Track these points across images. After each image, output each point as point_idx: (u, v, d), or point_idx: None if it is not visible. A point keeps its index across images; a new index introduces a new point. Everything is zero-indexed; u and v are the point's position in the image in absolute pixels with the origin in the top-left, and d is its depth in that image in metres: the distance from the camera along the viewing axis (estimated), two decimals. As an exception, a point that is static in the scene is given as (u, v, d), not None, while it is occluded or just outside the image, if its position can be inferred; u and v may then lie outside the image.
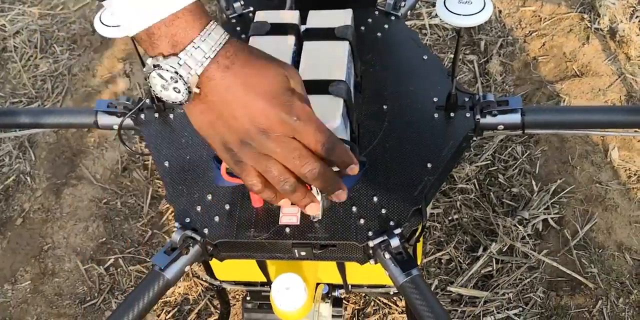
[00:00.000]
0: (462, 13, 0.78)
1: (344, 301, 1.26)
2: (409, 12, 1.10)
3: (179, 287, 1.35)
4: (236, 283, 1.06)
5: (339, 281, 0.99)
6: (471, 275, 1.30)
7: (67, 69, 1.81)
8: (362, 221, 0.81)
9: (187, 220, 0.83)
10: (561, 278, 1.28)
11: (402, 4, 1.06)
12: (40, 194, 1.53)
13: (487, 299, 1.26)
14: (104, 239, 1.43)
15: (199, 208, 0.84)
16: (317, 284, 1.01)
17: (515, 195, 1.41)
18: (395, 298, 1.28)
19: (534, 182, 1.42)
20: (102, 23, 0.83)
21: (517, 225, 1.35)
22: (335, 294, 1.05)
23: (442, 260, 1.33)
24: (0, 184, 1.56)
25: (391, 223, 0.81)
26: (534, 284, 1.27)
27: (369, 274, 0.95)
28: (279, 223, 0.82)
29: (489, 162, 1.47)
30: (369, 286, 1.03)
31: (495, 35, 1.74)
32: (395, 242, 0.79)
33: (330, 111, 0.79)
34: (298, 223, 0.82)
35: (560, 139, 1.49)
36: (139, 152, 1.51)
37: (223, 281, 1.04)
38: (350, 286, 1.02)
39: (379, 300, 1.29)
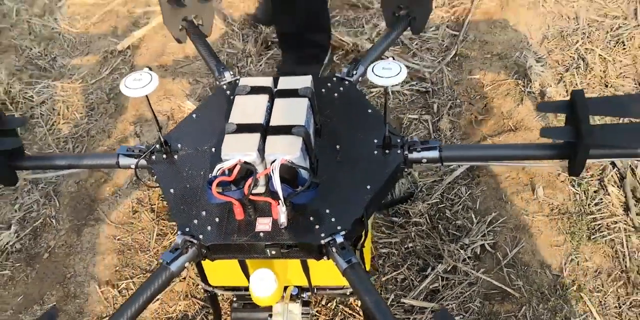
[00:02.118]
0: (385, 76, 1.08)
1: (315, 314, 1.51)
2: (360, 78, 1.41)
3: (180, 305, 1.59)
4: (225, 288, 1.31)
5: (306, 283, 1.25)
6: (421, 290, 1.55)
7: (85, 131, 2.11)
8: (316, 227, 1.08)
9: (187, 229, 1.10)
10: (494, 291, 1.52)
11: (354, 72, 1.37)
12: (63, 233, 1.79)
13: (434, 309, 1.50)
14: (117, 268, 1.68)
15: (195, 221, 1.11)
16: (286, 287, 1.26)
17: (459, 226, 1.68)
18: (358, 308, 1.52)
19: (473, 215, 1.69)
20: (126, 86, 1.12)
21: (460, 250, 1.61)
22: (304, 295, 1.30)
23: (398, 279, 1.58)
24: (29, 225, 1.82)
25: (338, 228, 1.08)
26: (472, 296, 1.52)
27: (329, 276, 1.20)
28: (255, 230, 1.09)
29: (438, 200, 1.75)
30: (330, 288, 1.29)
31: (446, 99, 2.05)
32: (339, 239, 1.06)
33: (292, 147, 1.08)
34: (270, 230, 1.09)
35: (496, 180, 1.77)
36: (151, 185, 1.77)
37: (215, 286, 1.30)
38: (315, 289, 1.28)
39: (345, 311, 1.53)
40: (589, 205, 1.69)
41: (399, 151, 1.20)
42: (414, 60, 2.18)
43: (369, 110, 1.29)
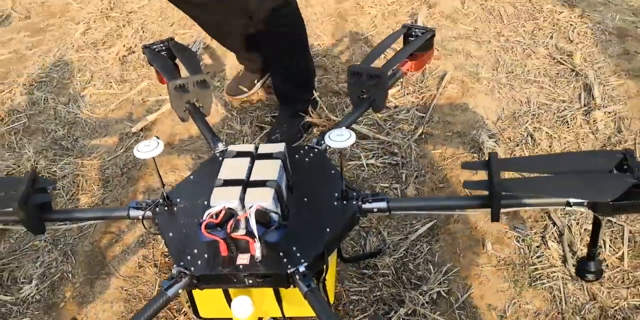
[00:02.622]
0: (338, 140, 1.39)
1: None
2: (328, 147, 1.72)
3: (176, 344, 1.82)
4: None
5: (280, 315, 1.49)
6: (385, 329, 1.78)
7: (101, 200, 2.41)
8: (284, 260, 1.35)
9: (182, 263, 1.37)
10: (447, 329, 1.76)
11: (322, 142, 1.68)
12: (78, 285, 2.04)
13: (395, 345, 1.73)
14: (123, 314, 1.92)
15: (188, 257, 1.38)
16: (261, 318, 1.50)
17: (419, 276, 1.93)
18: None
19: (432, 267, 1.94)
20: (138, 150, 1.43)
21: (419, 296, 1.85)
22: None
23: (365, 321, 1.82)
24: (48, 280, 2.08)
25: (301, 260, 1.35)
26: (429, 334, 1.75)
27: (299, 306, 1.45)
28: (236, 263, 1.36)
29: (403, 255, 2.01)
30: (301, 318, 1.53)
31: (412, 170, 2.36)
32: (302, 269, 1.32)
33: (266, 195, 1.37)
34: (248, 263, 1.36)
35: (453, 237, 2.04)
36: (153, 232, 2.04)
37: (204, 318, 1.54)
38: (288, 319, 1.52)
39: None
40: (531, 257, 1.95)
41: (354, 202, 1.49)
42: (387, 138, 2.51)
43: (332, 171, 1.59)
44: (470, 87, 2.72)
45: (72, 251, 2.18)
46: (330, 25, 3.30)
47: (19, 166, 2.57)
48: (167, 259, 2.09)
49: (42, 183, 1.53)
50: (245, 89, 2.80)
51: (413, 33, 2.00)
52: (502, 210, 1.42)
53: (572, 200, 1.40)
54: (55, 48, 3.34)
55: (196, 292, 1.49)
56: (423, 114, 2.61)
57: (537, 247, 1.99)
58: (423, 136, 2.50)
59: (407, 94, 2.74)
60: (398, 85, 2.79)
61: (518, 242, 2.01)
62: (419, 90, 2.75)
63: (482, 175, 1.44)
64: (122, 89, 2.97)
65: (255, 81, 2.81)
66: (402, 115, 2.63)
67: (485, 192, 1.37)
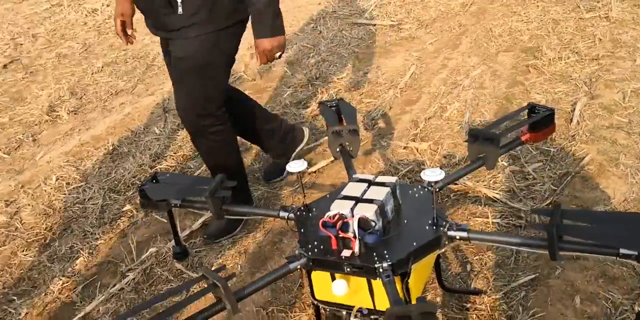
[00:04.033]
0: (430, 175, 1.84)
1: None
2: (436, 189, 2.15)
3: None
4: (323, 302, 2.02)
5: (370, 305, 1.92)
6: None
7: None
8: (375, 257, 1.80)
9: (304, 248, 1.89)
10: None
11: (432, 184, 2.13)
12: (243, 275, 2.64)
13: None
14: (269, 299, 2.47)
15: (309, 245, 1.89)
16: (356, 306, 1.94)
17: (509, 315, 2.24)
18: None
19: (521, 309, 2.24)
20: (290, 166, 2.00)
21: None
22: (372, 317, 1.96)
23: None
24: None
25: (388, 260, 1.79)
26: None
27: (387, 303, 1.87)
28: (341, 254, 1.84)
29: (500, 297, 2.33)
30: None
31: (531, 233, 2.66)
32: (385, 265, 1.76)
33: (369, 209, 1.85)
34: (349, 255, 1.83)
35: (549, 290, 2.32)
36: (293, 229, 2.60)
37: (319, 300, 2.02)
38: (378, 313, 1.94)
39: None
40: (615, 317, 2.17)
41: (441, 228, 1.91)
42: (517, 205, 2.84)
43: (432, 206, 2.03)
44: (606, 170, 2.97)
45: (244, 250, 2.80)
46: (496, 106, 3.73)
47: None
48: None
49: (226, 183, 2.18)
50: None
51: (536, 110, 2.39)
52: (563, 253, 1.75)
53: (622, 251, 1.70)
54: (269, 104, 4.18)
55: (314, 278, 1.99)
56: (556, 187, 2.91)
57: (625, 310, 2.20)
58: (550, 206, 2.80)
59: (548, 170, 3.06)
60: (541, 161, 3.12)
61: (606, 302, 2.23)
62: (559, 168, 3.06)
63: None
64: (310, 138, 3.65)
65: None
66: (538, 186, 2.95)
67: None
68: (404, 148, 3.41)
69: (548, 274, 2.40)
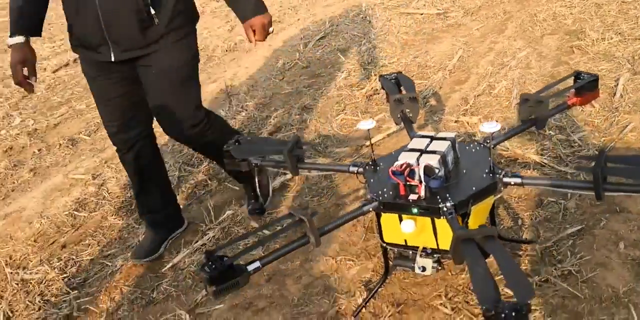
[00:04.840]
0: (488, 127, 2.08)
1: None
2: (491, 146, 2.38)
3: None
4: (391, 245, 2.27)
5: (434, 245, 2.17)
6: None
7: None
8: (439, 199, 2.04)
9: (374, 194, 2.14)
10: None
11: (490, 140, 2.36)
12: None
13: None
14: (338, 250, 2.73)
15: (380, 191, 2.14)
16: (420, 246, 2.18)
17: (558, 259, 2.45)
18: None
19: (569, 254, 2.46)
20: (360, 124, 2.26)
21: (553, 270, 2.38)
22: (435, 256, 2.20)
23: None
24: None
25: (450, 201, 2.03)
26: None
27: (449, 242, 2.11)
28: (409, 198, 2.09)
29: (550, 245, 2.54)
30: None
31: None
32: (449, 205, 2.00)
33: (432, 158, 2.10)
34: (416, 198, 2.08)
35: (595, 238, 2.52)
36: (361, 182, 2.86)
37: (387, 243, 2.27)
38: (441, 251, 2.18)
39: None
40: (657, 259, 2.36)
41: (497, 175, 2.14)
42: (564, 168, 3.04)
43: (489, 158, 2.26)
44: (649, 136, 3.15)
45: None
46: (542, 84, 3.91)
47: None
48: (368, 185, 2.86)
49: (300, 144, 2.45)
50: None
51: (581, 77, 2.60)
52: (608, 193, 1.97)
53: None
54: (323, 87, 4.45)
55: (383, 222, 2.24)
56: (600, 153, 3.10)
57: (668, 253, 2.39)
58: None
59: (593, 138, 3.25)
60: (585, 131, 3.31)
61: (650, 248, 2.43)
62: (602, 136, 3.24)
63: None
64: (364, 117, 3.91)
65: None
66: (583, 153, 3.14)
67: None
68: (455, 122, 3.63)
69: (593, 225, 2.60)
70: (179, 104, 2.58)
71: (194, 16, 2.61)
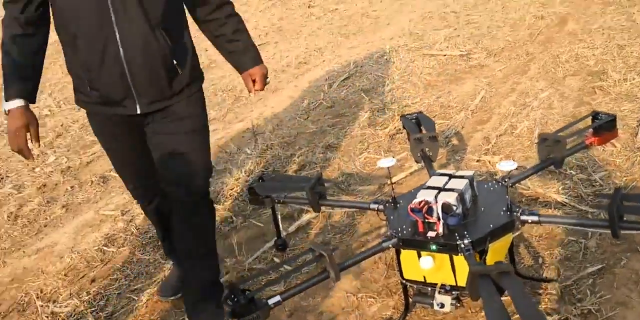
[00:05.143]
0: (505, 166, 2.13)
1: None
2: (509, 185, 2.42)
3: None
4: (410, 281, 2.30)
5: (452, 282, 2.20)
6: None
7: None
8: (457, 236, 2.09)
9: (394, 231, 2.19)
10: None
11: (505, 180, 2.41)
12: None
13: None
14: (354, 292, 2.77)
15: (399, 228, 2.20)
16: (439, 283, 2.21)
17: (578, 299, 2.46)
18: None
19: (589, 293, 2.46)
20: (380, 162, 2.33)
21: (573, 309, 2.38)
22: (454, 293, 2.23)
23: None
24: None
25: (468, 238, 2.07)
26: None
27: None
28: (427, 235, 2.13)
29: (570, 283, 2.55)
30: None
31: (598, 233, 2.87)
32: (466, 242, 2.05)
33: (450, 196, 2.15)
34: (434, 235, 2.13)
35: (615, 277, 2.52)
36: (382, 219, 2.90)
37: (407, 280, 2.31)
38: (459, 288, 2.21)
39: None
40: (678, 299, 2.35)
41: (514, 213, 2.18)
42: (584, 207, 3.06)
43: (506, 196, 2.30)
44: (674, 176, 3.16)
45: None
46: (564, 124, 3.95)
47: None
48: (387, 221, 2.89)
49: (322, 181, 2.52)
50: None
51: (599, 117, 2.65)
52: (624, 231, 2.00)
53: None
54: (347, 126, 4.54)
55: (403, 259, 2.28)
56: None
57: (689, 295, 2.38)
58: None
59: (614, 177, 3.27)
60: (607, 170, 3.34)
61: (672, 289, 2.42)
62: (624, 175, 3.26)
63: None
64: (387, 156, 3.98)
65: None
66: (604, 192, 3.16)
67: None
68: (477, 161, 3.68)
69: (614, 264, 2.60)
70: (199, 157, 2.50)
71: (202, 72, 2.57)
